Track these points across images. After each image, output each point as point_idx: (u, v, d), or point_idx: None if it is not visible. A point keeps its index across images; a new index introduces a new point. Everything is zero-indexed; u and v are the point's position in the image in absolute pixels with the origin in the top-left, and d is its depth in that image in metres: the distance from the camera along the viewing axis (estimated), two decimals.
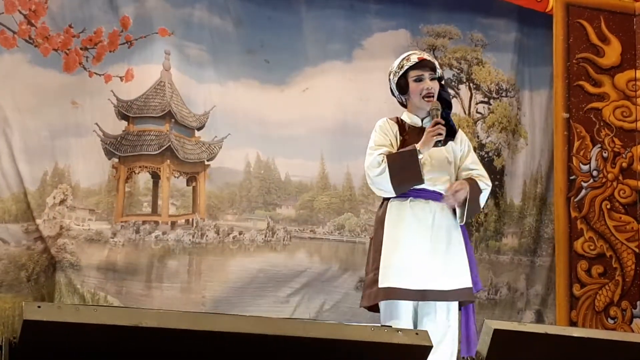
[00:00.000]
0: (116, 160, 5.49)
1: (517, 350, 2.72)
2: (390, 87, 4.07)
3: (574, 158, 6.38)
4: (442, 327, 3.83)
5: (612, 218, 6.41)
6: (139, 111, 5.57)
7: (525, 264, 6.42)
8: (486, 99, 6.46)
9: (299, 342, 2.30)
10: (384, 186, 3.88)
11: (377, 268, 3.85)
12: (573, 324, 6.17)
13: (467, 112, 6.38)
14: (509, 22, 6.48)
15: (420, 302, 3.86)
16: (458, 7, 6.35)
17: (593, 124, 6.44)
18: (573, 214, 6.34)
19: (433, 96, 3.93)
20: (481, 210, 4.35)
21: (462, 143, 4.05)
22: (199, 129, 5.72)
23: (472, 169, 4.03)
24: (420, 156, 3.82)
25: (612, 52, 6.51)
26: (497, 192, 6.41)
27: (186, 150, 5.66)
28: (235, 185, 5.81)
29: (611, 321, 6.31)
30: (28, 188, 5.23)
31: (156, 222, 5.56)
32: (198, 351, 2.22)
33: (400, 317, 3.81)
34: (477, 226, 6.34)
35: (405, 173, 3.83)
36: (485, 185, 4.01)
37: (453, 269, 3.88)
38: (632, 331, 6.20)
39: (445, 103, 3.99)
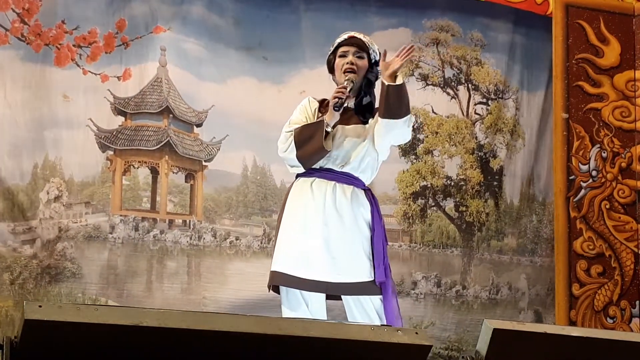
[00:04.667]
0: (111, 152, 5.50)
1: (517, 350, 2.72)
2: None
3: (573, 158, 6.39)
4: (360, 317, 3.61)
5: (612, 218, 6.42)
6: (136, 107, 5.58)
7: (525, 264, 6.43)
8: (485, 100, 6.46)
9: (299, 342, 2.30)
10: (292, 161, 3.69)
11: (274, 249, 3.72)
12: (572, 323, 6.17)
13: (465, 114, 6.38)
14: (507, 23, 6.48)
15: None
16: (457, 8, 6.35)
17: (592, 124, 6.45)
18: (572, 214, 6.35)
19: (354, 72, 3.74)
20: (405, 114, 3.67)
21: None
22: (198, 125, 5.72)
23: None
24: (328, 128, 3.63)
25: (612, 53, 6.51)
26: (496, 192, 6.42)
27: (185, 146, 5.67)
28: (232, 189, 5.82)
29: (610, 320, 6.32)
30: (18, 183, 5.20)
31: (154, 220, 5.58)
32: (198, 351, 2.22)
33: (292, 304, 3.63)
34: (480, 226, 6.35)
35: (309, 145, 3.62)
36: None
37: (348, 261, 3.61)
38: (631, 330, 6.21)
39: (368, 82, 3.80)
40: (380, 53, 3.81)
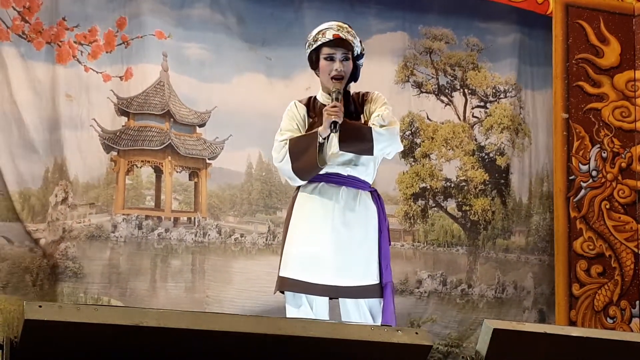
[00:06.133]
0: (115, 153, 5.50)
1: (517, 350, 2.73)
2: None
3: (573, 158, 6.39)
4: (354, 317, 3.64)
5: (612, 218, 6.41)
6: (140, 108, 5.59)
7: (532, 262, 6.44)
8: (482, 103, 6.48)
9: (299, 342, 2.30)
10: (288, 173, 3.67)
11: (281, 255, 3.72)
12: (572, 323, 6.18)
13: (461, 118, 6.39)
14: (508, 23, 6.49)
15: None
16: (456, 11, 6.35)
17: (592, 124, 6.45)
18: (572, 214, 6.35)
19: (342, 78, 3.69)
20: (371, 152, 3.68)
21: (374, 104, 3.75)
22: (201, 125, 5.74)
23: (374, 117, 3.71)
24: (320, 140, 3.59)
25: (612, 53, 6.51)
26: (503, 191, 6.43)
27: (187, 147, 5.69)
28: (237, 187, 5.83)
29: (610, 321, 6.32)
30: (30, 187, 5.22)
31: (159, 218, 5.58)
32: (198, 351, 2.23)
33: (297, 304, 3.64)
34: (485, 224, 6.36)
35: (304, 158, 3.60)
36: (378, 128, 3.64)
37: (356, 264, 3.63)
38: (631, 330, 6.21)
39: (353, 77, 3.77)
40: (360, 42, 3.79)
